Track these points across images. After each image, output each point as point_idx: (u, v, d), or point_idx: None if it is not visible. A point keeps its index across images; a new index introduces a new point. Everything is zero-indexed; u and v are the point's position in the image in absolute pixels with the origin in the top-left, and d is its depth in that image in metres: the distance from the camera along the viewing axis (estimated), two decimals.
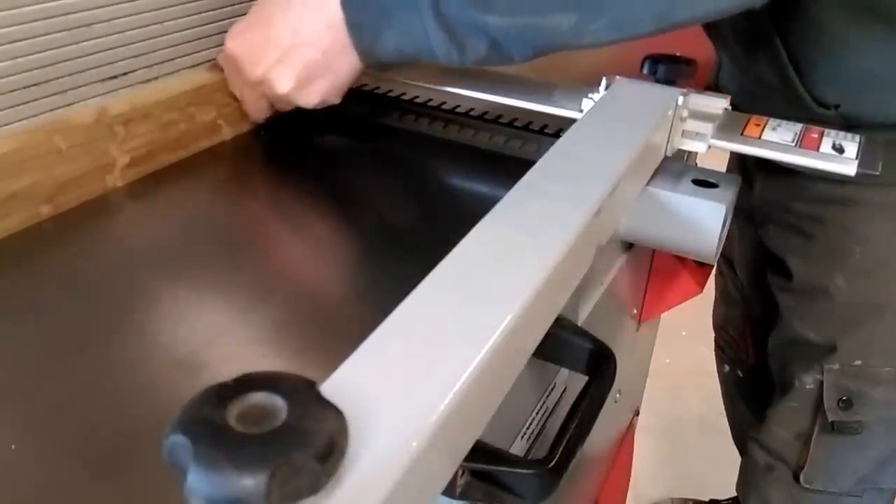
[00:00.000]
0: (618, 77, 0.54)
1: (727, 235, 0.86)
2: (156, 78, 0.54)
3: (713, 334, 0.99)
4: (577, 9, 0.45)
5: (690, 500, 1.36)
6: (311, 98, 0.54)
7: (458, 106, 0.63)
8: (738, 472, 1.08)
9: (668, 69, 0.57)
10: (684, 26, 0.50)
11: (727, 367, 0.97)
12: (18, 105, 0.46)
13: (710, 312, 0.97)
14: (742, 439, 1.00)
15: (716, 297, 0.96)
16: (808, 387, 0.71)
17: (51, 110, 0.48)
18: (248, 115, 0.58)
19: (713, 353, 1.00)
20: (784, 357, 0.75)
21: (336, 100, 0.55)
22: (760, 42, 0.64)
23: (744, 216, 0.79)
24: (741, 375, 0.95)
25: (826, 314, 0.69)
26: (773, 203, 0.72)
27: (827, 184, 0.65)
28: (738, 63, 0.69)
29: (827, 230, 0.67)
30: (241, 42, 0.54)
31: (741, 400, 0.97)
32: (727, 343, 0.96)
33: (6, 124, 0.45)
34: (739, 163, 0.78)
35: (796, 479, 0.75)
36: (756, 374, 0.90)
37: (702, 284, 0.65)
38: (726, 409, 1.03)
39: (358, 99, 0.64)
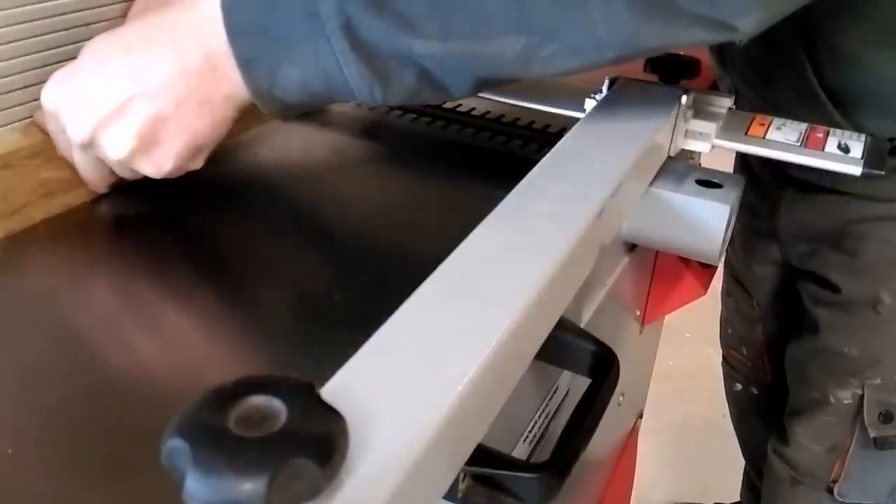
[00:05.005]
0: (621, 76, 0.54)
1: (736, 256, 0.86)
2: None
3: (717, 336, 0.98)
4: (524, 32, 0.38)
5: None
6: (161, 164, 0.43)
7: (459, 105, 0.63)
8: (741, 477, 1.08)
9: (672, 68, 0.57)
10: (652, 54, 0.44)
11: (739, 386, 0.95)
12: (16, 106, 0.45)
13: (715, 314, 0.96)
14: (755, 454, 0.99)
15: (724, 318, 0.94)
16: (845, 402, 0.70)
17: None
18: (87, 185, 0.46)
19: (718, 354, 0.99)
20: (810, 372, 0.73)
21: (197, 164, 0.45)
22: (792, 84, 0.61)
23: (762, 236, 0.78)
24: (756, 392, 0.94)
25: (871, 329, 0.68)
26: (805, 222, 0.70)
27: (867, 202, 0.64)
28: (765, 100, 0.66)
29: (871, 246, 0.65)
30: (65, 93, 0.42)
31: (756, 416, 0.95)
32: (740, 363, 0.94)
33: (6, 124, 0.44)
34: (751, 179, 0.75)
35: (828, 491, 0.74)
36: (772, 389, 0.89)
37: (706, 286, 0.64)
38: (737, 426, 1.02)
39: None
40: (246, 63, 0.40)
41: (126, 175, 0.45)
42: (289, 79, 0.40)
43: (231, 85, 0.41)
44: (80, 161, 0.44)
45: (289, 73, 0.40)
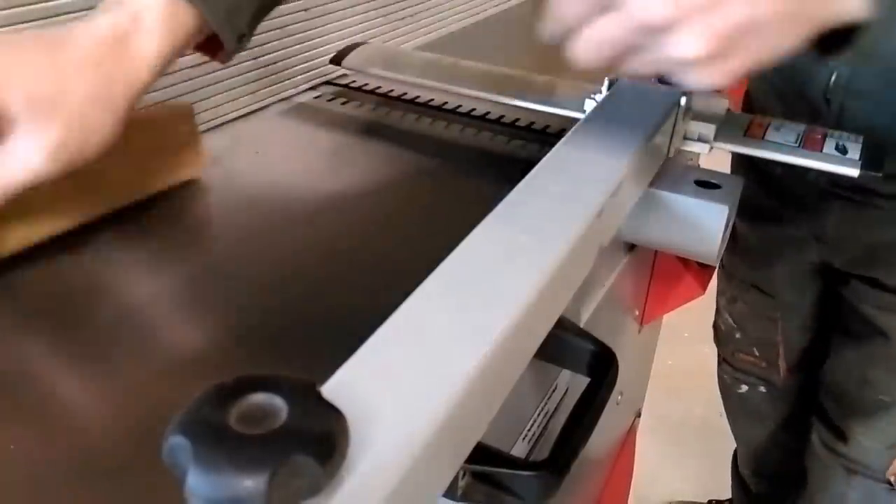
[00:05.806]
0: (620, 77, 0.54)
1: (747, 260, 0.85)
2: None
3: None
4: None
5: (691, 503, 1.36)
6: (712, 76, 0.35)
7: (459, 105, 0.63)
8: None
9: None
10: None
11: (745, 388, 0.95)
12: None
13: (713, 313, 0.96)
14: (761, 454, 0.99)
15: (731, 324, 0.93)
16: None
17: None
18: (578, 60, 0.36)
19: (716, 354, 0.99)
20: (874, 376, 0.73)
21: (733, 83, 0.36)
22: None
23: (791, 239, 0.77)
24: (764, 392, 0.93)
25: None
26: (860, 231, 0.70)
27: None
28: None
29: None
30: None
31: (766, 417, 0.95)
32: (751, 364, 0.93)
33: None
34: (764, 182, 0.75)
35: (887, 483, 0.75)
36: (787, 387, 0.89)
37: (704, 286, 0.65)
38: (738, 428, 1.01)
39: (358, 99, 0.64)
40: None
41: (640, 72, 0.37)
42: None
43: (836, 5, 0.35)
44: (613, 34, 0.35)
45: None
